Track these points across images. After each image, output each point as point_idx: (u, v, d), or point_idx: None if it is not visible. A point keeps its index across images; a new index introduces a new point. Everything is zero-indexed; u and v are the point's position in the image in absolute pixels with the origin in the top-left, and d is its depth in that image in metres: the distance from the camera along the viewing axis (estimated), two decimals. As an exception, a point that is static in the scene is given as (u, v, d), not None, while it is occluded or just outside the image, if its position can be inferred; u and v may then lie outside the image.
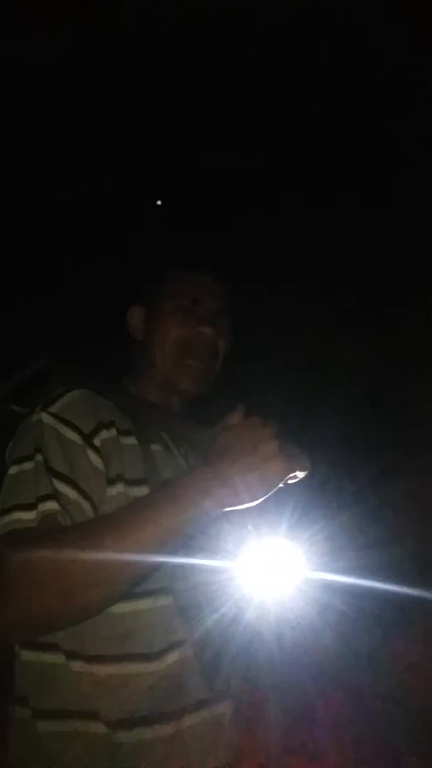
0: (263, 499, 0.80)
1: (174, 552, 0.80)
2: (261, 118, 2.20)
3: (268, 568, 0.86)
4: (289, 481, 0.83)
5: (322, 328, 2.31)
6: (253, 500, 0.80)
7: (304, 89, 2.11)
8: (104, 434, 0.91)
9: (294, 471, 0.81)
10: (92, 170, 2.27)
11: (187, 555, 0.84)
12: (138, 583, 0.81)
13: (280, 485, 0.81)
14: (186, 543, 0.82)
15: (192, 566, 0.86)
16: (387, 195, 2.29)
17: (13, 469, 0.87)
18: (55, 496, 0.84)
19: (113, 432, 0.92)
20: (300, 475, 0.82)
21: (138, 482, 0.90)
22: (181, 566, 0.87)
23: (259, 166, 2.31)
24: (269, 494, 0.80)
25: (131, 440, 0.94)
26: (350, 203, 2.26)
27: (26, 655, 0.87)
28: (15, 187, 2.15)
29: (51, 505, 0.83)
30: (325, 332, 2.31)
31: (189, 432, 1.01)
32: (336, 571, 0.88)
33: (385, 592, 0.99)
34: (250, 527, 0.89)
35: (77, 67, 1.97)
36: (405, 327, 2.31)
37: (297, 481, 0.83)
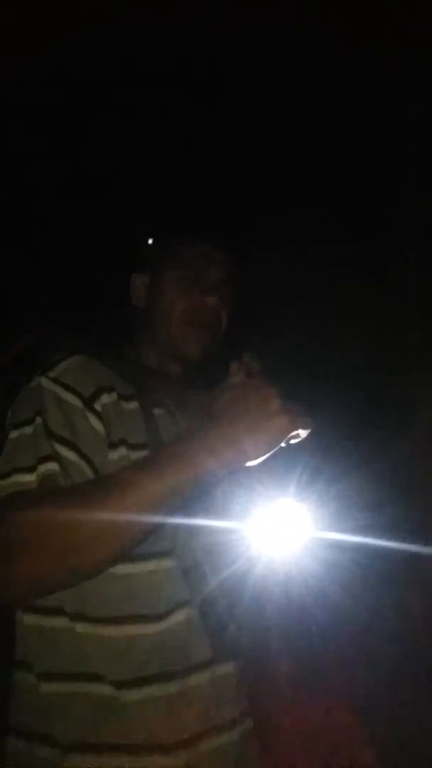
0: (265, 457, 0.80)
1: (179, 512, 0.80)
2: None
3: (275, 527, 0.87)
4: (292, 440, 0.82)
5: (332, 294, 2.29)
6: (255, 458, 0.79)
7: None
8: (105, 398, 0.91)
9: (296, 429, 0.80)
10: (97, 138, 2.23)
11: (193, 516, 0.85)
12: (140, 543, 0.81)
13: (282, 444, 0.81)
14: (192, 503, 0.82)
15: (197, 527, 0.87)
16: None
17: (13, 434, 0.87)
18: (55, 457, 0.84)
19: (114, 396, 0.92)
20: (303, 434, 0.82)
21: (140, 446, 0.90)
22: (187, 527, 0.87)
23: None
24: (271, 452, 0.80)
25: (133, 405, 0.94)
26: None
27: (29, 619, 0.87)
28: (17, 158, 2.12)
29: (51, 466, 0.83)
30: (336, 299, 2.29)
31: (192, 396, 1.01)
32: (343, 530, 0.89)
33: (391, 550, 1.01)
34: (258, 488, 0.90)
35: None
36: (409, 295, 2.30)
37: (299, 441, 0.83)
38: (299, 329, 2.22)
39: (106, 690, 0.84)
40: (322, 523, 0.88)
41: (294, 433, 0.81)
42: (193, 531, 0.88)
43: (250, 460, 0.80)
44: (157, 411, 0.97)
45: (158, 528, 0.83)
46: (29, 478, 0.83)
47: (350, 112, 2.17)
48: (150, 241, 1.15)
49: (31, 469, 0.83)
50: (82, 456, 0.86)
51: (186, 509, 0.82)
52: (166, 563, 0.88)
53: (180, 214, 1.21)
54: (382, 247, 2.31)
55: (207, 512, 0.87)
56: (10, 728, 0.87)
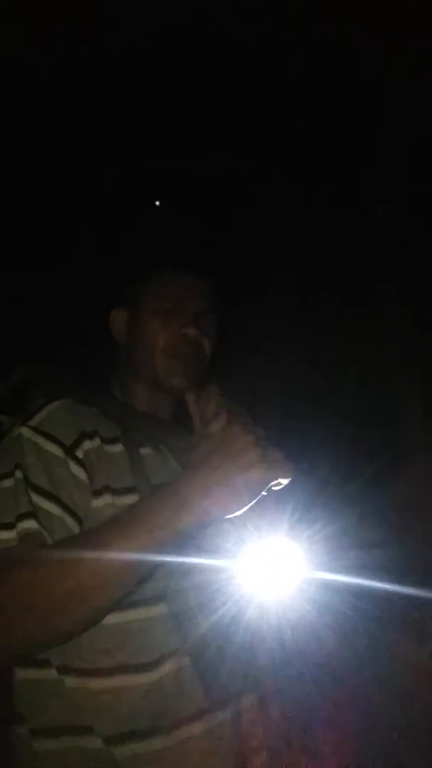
0: (247, 507, 0.78)
1: (167, 554, 0.78)
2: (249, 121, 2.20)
3: (268, 567, 0.85)
4: (274, 488, 0.81)
5: (321, 326, 2.30)
6: (236, 510, 0.78)
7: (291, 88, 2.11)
8: (87, 445, 0.89)
9: (276, 478, 0.79)
10: (74, 173, 2.26)
11: (183, 556, 0.82)
12: (126, 595, 0.79)
13: (264, 493, 0.80)
14: (183, 544, 0.80)
15: (188, 569, 0.85)
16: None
17: None
18: (34, 514, 0.82)
19: (97, 442, 0.90)
20: (284, 481, 0.81)
21: (126, 491, 0.89)
22: (176, 573, 0.85)
23: (247, 170, 2.31)
24: (252, 503, 0.79)
25: (117, 448, 0.92)
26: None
27: (20, 672, 0.85)
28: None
29: (30, 524, 0.81)
30: (326, 330, 2.30)
31: (177, 439, 0.99)
32: (337, 570, 0.87)
33: (386, 592, 0.98)
34: (250, 526, 0.88)
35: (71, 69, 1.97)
36: (399, 326, 2.32)
37: (281, 487, 0.82)
38: (289, 362, 2.22)
39: (97, 744, 0.81)
40: (315, 562, 0.86)
41: (275, 482, 0.79)
42: (184, 573, 0.86)
43: (230, 512, 0.78)
44: (144, 451, 0.95)
45: (144, 580, 0.81)
46: (9, 536, 0.81)
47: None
48: (127, 275, 1.15)
49: (10, 526, 0.81)
50: (64, 508, 0.84)
51: (175, 550, 0.80)
52: (156, 609, 0.86)
53: (157, 247, 1.22)
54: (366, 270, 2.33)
55: (198, 552, 0.85)
56: None
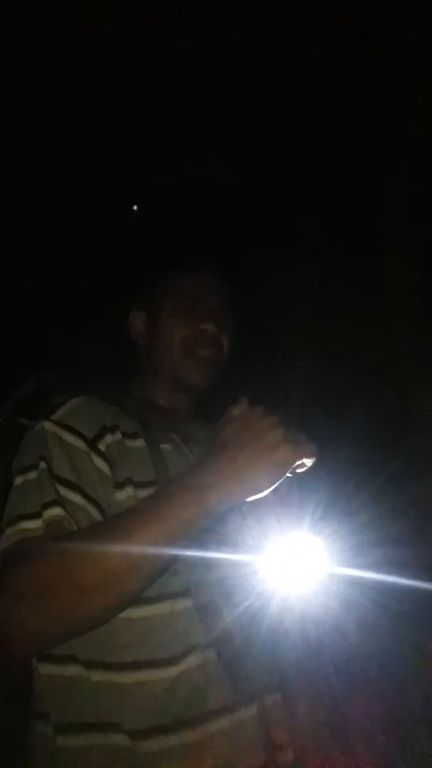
0: (271, 489, 0.78)
1: (190, 547, 0.78)
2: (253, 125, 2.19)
3: (291, 562, 0.85)
4: (298, 470, 0.81)
5: (340, 323, 2.29)
6: (260, 491, 0.78)
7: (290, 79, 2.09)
8: (109, 438, 0.90)
9: (301, 458, 0.79)
10: (85, 175, 2.27)
11: (206, 550, 0.83)
12: (150, 584, 0.79)
13: (288, 474, 0.79)
14: (205, 538, 0.80)
15: (211, 563, 0.85)
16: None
17: (18, 480, 0.87)
18: (60, 502, 0.83)
19: (118, 436, 0.91)
20: (308, 462, 0.80)
21: (148, 484, 0.89)
22: (200, 566, 0.85)
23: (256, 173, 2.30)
24: (277, 484, 0.78)
25: (139, 443, 0.93)
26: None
27: (44, 668, 0.85)
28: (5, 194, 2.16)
29: (56, 511, 0.82)
30: (346, 328, 2.29)
31: (198, 430, 1.00)
32: (360, 566, 0.86)
33: (411, 589, 0.98)
34: (273, 521, 0.88)
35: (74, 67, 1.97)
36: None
37: (305, 470, 0.81)
38: (310, 357, 2.21)
39: (123, 740, 0.81)
40: (338, 558, 0.85)
41: (299, 462, 0.79)
42: (207, 567, 0.85)
43: (254, 493, 0.78)
44: (164, 447, 0.96)
45: (170, 567, 0.81)
46: (35, 525, 0.81)
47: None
48: (143, 278, 1.16)
49: (36, 516, 0.82)
50: (88, 498, 0.85)
51: (198, 544, 0.80)
52: (181, 604, 0.86)
53: (171, 247, 1.23)
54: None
55: (220, 546, 0.85)
56: None
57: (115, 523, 0.79)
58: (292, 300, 2.24)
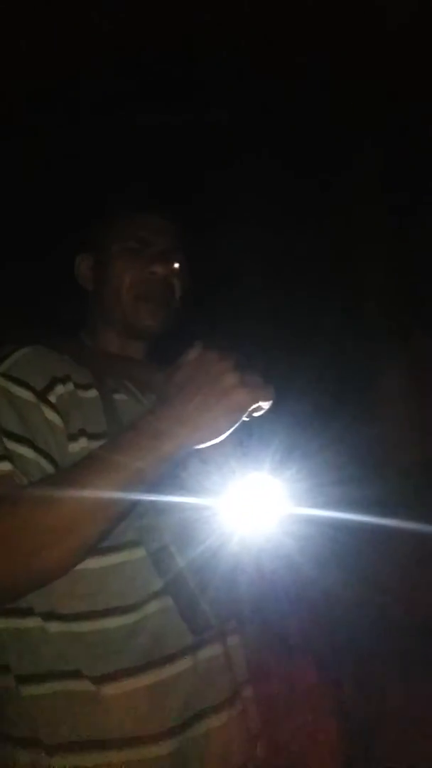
0: (227, 434, 0.77)
1: (145, 493, 0.78)
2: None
3: (249, 504, 0.85)
4: (254, 414, 0.80)
5: (300, 267, 2.26)
6: (216, 436, 0.77)
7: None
8: (60, 389, 0.87)
9: (257, 402, 0.78)
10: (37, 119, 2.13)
11: (160, 495, 0.82)
12: (108, 533, 0.79)
13: (245, 418, 0.78)
14: (160, 484, 0.80)
15: (165, 508, 0.84)
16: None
17: None
18: (8, 456, 0.81)
19: (70, 386, 0.88)
20: (265, 406, 0.79)
21: (102, 435, 0.87)
22: (154, 510, 0.84)
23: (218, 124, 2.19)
24: (233, 428, 0.78)
25: (92, 393, 0.91)
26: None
27: (2, 622, 0.85)
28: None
29: (4, 467, 0.80)
30: (306, 272, 2.27)
31: (154, 377, 0.97)
32: (318, 506, 0.88)
33: (364, 525, 1.01)
34: (230, 463, 0.88)
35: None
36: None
37: (262, 413, 0.80)
38: (268, 301, 2.18)
39: (86, 686, 0.82)
40: (297, 498, 0.86)
41: (255, 405, 0.78)
42: (160, 512, 0.85)
43: (209, 439, 0.77)
44: (118, 396, 0.93)
45: (128, 515, 0.81)
46: None
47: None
48: (90, 220, 1.11)
49: None
50: (39, 451, 0.83)
51: (157, 490, 0.80)
52: (137, 553, 0.86)
53: (119, 188, 1.17)
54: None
55: (176, 491, 0.85)
56: None
57: (71, 473, 0.77)
58: (251, 242, 2.19)
